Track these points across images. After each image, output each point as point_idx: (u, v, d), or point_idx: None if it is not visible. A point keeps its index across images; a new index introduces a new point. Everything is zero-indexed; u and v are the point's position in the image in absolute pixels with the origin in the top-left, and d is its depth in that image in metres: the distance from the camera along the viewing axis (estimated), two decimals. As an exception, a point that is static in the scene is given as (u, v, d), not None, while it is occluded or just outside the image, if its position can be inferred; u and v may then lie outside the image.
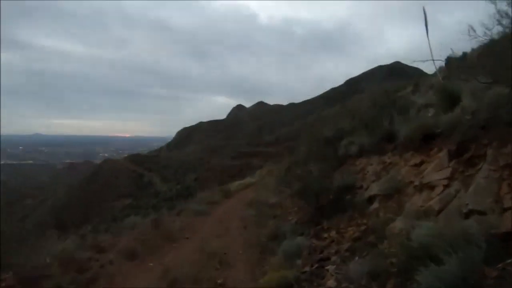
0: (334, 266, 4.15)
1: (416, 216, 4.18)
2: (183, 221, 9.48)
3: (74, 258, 5.79)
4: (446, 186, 4.28)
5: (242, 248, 6.38)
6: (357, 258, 4.06)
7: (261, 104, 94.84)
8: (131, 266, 5.67)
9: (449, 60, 14.16)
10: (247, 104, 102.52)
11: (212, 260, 5.71)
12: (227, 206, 12.40)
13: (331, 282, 3.90)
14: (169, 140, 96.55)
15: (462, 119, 5.57)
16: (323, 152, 13.05)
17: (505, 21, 5.06)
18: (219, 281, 5.10)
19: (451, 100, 6.72)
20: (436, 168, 4.69)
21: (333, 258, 4.41)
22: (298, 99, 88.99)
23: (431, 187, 4.52)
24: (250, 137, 57.73)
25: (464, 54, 13.66)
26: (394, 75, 45.46)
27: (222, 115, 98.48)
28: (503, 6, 5.05)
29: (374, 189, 6.04)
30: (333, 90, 74.77)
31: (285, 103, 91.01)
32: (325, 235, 5.49)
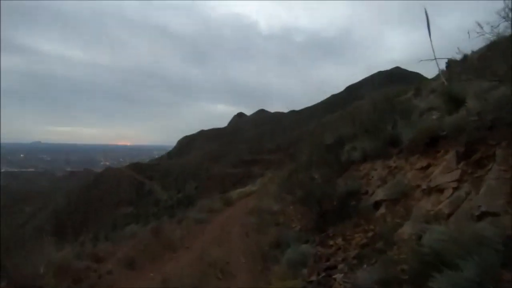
0: (342, 274, 3.97)
1: (425, 220, 4.02)
2: (184, 230, 9.29)
3: (70, 267, 5.60)
4: (455, 189, 4.13)
5: (244, 257, 6.18)
6: (365, 265, 3.88)
7: (262, 112, 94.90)
8: (130, 276, 5.48)
9: (450, 63, 14.13)
10: (248, 111, 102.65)
11: (213, 269, 5.52)
12: (228, 214, 12.21)
13: (339, 291, 3.73)
14: (170, 149, 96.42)
15: (468, 120, 5.45)
16: (325, 158, 12.92)
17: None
18: (220, 292, 4.92)
19: (455, 101, 6.61)
20: (444, 171, 4.54)
21: (340, 266, 4.23)
22: (299, 106, 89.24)
23: (439, 190, 4.37)
24: (251, 145, 57.59)
25: (465, 56, 13.61)
26: (394, 81, 45.47)
27: (223, 123, 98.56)
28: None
29: (379, 194, 5.87)
30: (334, 96, 74.84)
31: (285, 110, 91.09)
32: (331, 242, 5.30)
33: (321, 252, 5.20)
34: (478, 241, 2.84)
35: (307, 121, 58.44)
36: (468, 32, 5.63)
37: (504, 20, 5.05)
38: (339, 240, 5.23)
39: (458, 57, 7.29)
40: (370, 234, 4.69)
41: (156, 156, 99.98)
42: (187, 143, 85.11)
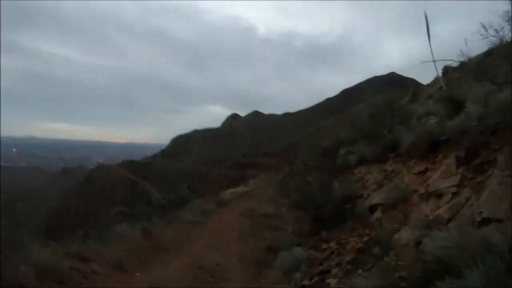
0: (336, 279, 3.81)
1: (424, 225, 3.90)
2: (175, 231, 9.06)
3: (54, 267, 5.35)
4: (455, 194, 4.01)
5: (237, 260, 6.01)
6: (360, 271, 3.73)
7: (256, 114, 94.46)
8: (116, 278, 5.26)
9: (447, 68, 14.13)
10: (243, 113, 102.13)
11: (204, 272, 5.34)
12: (221, 216, 12.01)
13: (333, 297, 3.58)
14: (163, 147, 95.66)
15: (469, 125, 5.36)
16: (321, 161, 12.81)
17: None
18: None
19: (455, 106, 6.53)
20: (443, 176, 4.42)
21: (334, 271, 4.07)
22: (294, 109, 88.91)
23: (438, 195, 4.24)
24: (245, 147, 57.37)
25: (463, 63, 13.59)
26: (390, 86, 45.62)
27: (217, 123, 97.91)
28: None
29: (375, 198, 5.76)
30: (329, 100, 74.79)
31: (280, 112, 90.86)
32: (325, 246, 5.16)
33: (314, 255, 5.06)
34: (482, 248, 2.71)
35: (301, 124, 58.38)
36: (465, 40, 5.56)
37: (507, 23, 4.97)
38: (333, 244, 5.09)
39: (461, 59, 7.19)
40: (365, 238, 4.56)
41: (149, 155, 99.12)
42: (181, 143, 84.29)
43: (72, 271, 5.06)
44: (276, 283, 4.42)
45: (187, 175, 50.35)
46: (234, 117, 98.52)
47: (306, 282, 4.10)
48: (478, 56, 12.71)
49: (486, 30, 5.21)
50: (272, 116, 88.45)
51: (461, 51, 7.07)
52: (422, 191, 4.65)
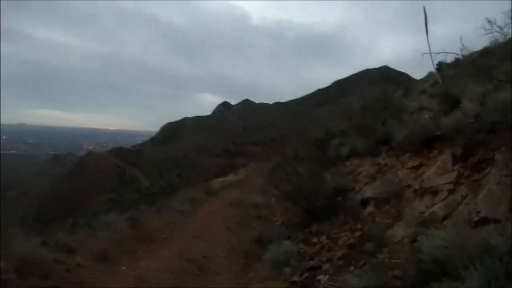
0: (327, 276, 3.71)
1: (418, 222, 3.81)
2: (163, 220, 8.92)
3: (37, 260, 5.16)
4: (451, 191, 3.92)
5: (225, 252, 5.89)
6: (352, 268, 3.64)
7: (247, 102, 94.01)
8: (101, 271, 5.09)
9: (441, 65, 14.11)
10: (233, 101, 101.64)
11: (192, 265, 5.21)
12: (210, 205, 11.90)
13: (324, 295, 3.49)
14: (154, 135, 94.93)
15: (465, 122, 5.28)
16: (312, 152, 12.73)
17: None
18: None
19: (450, 102, 6.45)
20: (439, 172, 4.33)
21: (325, 267, 3.97)
22: (285, 99, 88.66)
23: (434, 191, 4.16)
24: (236, 136, 57.12)
25: (457, 60, 13.58)
26: (382, 79, 45.72)
27: (207, 111, 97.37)
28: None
29: (368, 192, 5.67)
30: (320, 91, 74.76)
31: (271, 102, 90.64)
32: (315, 240, 5.05)
33: (304, 249, 4.95)
34: (481, 249, 2.63)
35: (292, 114, 58.37)
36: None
37: (511, 20, 4.86)
38: (324, 238, 4.99)
39: (464, 53, 7.11)
40: (358, 233, 4.46)
41: (139, 142, 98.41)
42: (171, 131, 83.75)
43: (56, 264, 4.88)
44: (265, 278, 4.32)
45: (177, 163, 50.13)
46: (225, 105, 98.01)
47: (296, 278, 4.00)
48: (473, 54, 12.71)
49: (492, 25, 5.09)
50: (263, 105, 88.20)
51: (463, 45, 6.96)
52: (416, 186, 4.57)
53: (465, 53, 6.94)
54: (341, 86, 65.10)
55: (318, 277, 3.85)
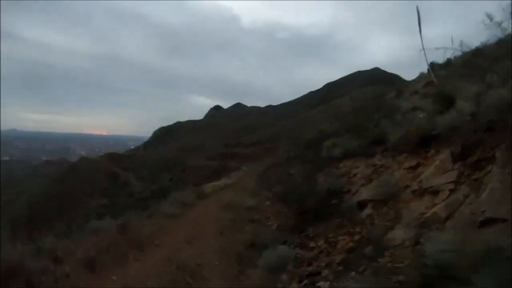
0: (328, 282, 3.55)
1: (419, 224, 3.68)
2: (154, 225, 8.66)
3: (23, 268, 4.90)
4: (452, 191, 3.80)
5: (218, 258, 5.68)
6: (353, 273, 3.48)
7: (238, 106, 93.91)
8: (90, 279, 4.86)
9: (433, 67, 14.15)
10: (225, 105, 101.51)
11: (183, 272, 4.99)
12: (202, 209, 11.64)
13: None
14: (146, 139, 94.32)
15: (461, 121, 5.20)
16: (304, 153, 12.61)
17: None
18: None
19: (445, 102, 6.38)
20: (438, 171, 4.21)
21: (325, 273, 3.81)
22: (277, 102, 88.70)
23: (434, 192, 4.04)
24: (227, 138, 56.84)
25: (449, 60, 13.64)
26: (374, 81, 45.95)
27: (199, 115, 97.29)
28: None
29: (364, 194, 5.54)
30: (312, 93, 74.94)
31: (263, 105, 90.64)
32: (312, 244, 4.89)
33: (301, 255, 4.78)
34: (488, 251, 2.49)
35: (284, 116, 58.30)
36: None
37: (510, 15, 4.81)
38: (321, 243, 4.83)
39: (464, 49, 7.09)
40: (356, 237, 4.30)
41: (132, 147, 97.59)
42: (163, 135, 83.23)
43: (44, 273, 4.64)
44: (260, 285, 4.13)
45: (169, 167, 49.71)
46: (216, 108, 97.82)
47: (294, 285, 3.82)
48: (461, 57, 12.76)
49: (491, 20, 5.03)
50: (254, 108, 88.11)
51: (461, 41, 6.93)
52: (414, 187, 4.45)
53: (464, 48, 6.86)
54: (333, 88, 65.32)
55: (318, 284, 3.68)
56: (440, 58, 12.66)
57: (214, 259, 5.64)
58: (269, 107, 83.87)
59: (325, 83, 76.23)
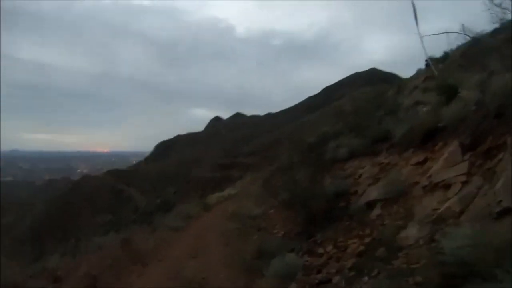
0: (339, 290, 3.33)
1: (433, 221, 3.47)
2: (158, 239, 8.46)
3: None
4: (464, 183, 3.60)
5: (224, 270, 5.46)
6: (366, 278, 3.26)
7: (238, 116, 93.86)
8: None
9: (430, 62, 14.00)
10: (225, 115, 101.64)
11: (189, 286, 4.78)
12: (207, 220, 11.43)
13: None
14: (147, 154, 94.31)
15: (467, 110, 5.02)
16: (307, 158, 12.39)
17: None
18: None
19: (447, 94, 6.22)
20: (448, 164, 4.01)
21: (336, 279, 3.58)
22: (277, 109, 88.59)
23: (445, 185, 3.84)
24: (228, 149, 56.66)
25: (446, 53, 13.52)
26: (372, 81, 45.86)
27: (199, 127, 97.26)
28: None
29: (372, 194, 5.32)
30: (311, 98, 74.84)
31: (262, 113, 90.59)
32: (321, 250, 4.66)
33: (310, 262, 4.55)
34: (510, 243, 2.29)
35: (284, 123, 58.18)
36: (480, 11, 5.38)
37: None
38: (330, 248, 4.60)
39: (468, 34, 7.00)
40: (367, 239, 4.08)
41: (134, 162, 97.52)
42: (164, 149, 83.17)
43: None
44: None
45: (172, 180, 49.53)
46: (216, 119, 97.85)
47: (304, 295, 3.61)
48: (459, 49, 12.65)
49: (499, 6, 4.90)
50: (254, 117, 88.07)
51: (463, 25, 6.82)
52: (424, 182, 4.24)
53: (467, 32, 6.73)
54: (331, 92, 65.23)
55: (329, 291, 3.46)
56: (438, 52, 12.57)
57: (220, 271, 5.41)
58: (269, 114, 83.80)
59: (323, 86, 76.20)
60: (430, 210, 3.69)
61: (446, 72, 8.72)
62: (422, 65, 16.22)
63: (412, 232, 3.51)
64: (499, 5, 4.99)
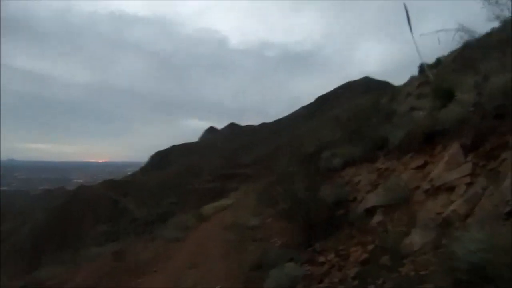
0: (343, 300, 3.17)
1: (438, 225, 3.35)
2: (154, 250, 8.24)
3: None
4: (469, 185, 3.50)
5: (222, 282, 5.26)
6: (372, 287, 3.11)
7: (232, 126, 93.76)
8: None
9: (423, 67, 14.12)
10: (219, 125, 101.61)
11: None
12: (204, 231, 11.21)
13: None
14: (142, 165, 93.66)
15: (465, 112, 4.96)
16: (303, 167, 12.28)
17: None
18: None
19: (444, 96, 6.18)
20: (450, 167, 3.92)
21: (339, 289, 3.43)
22: (270, 119, 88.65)
23: (448, 188, 3.73)
24: (225, 159, 56.45)
25: (439, 59, 13.63)
26: (365, 90, 46.20)
27: (194, 138, 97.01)
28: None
29: (371, 200, 5.21)
30: (304, 108, 75.14)
31: (256, 123, 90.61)
32: (322, 259, 4.50)
33: (311, 271, 4.39)
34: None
35: (278, 133, 58.25)
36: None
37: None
38: (332, 256, 4.44)
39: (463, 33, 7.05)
40: (370, 247, 3.94)
41: (129, 173, 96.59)
42: (160, 159, 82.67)
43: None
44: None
45: (168, 190, 49.15)
46: (211, 130, 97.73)
47: (307, 306, 3.45)
48: (451, 54, 12.75)
49: None
50: (248, 127, 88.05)
51: (459, 24, 6.84)
52: (426, 186, 4.13)
53: (464, 30, 6.74)
54: (325, 101, 65.59)
55: (333, 302, 3.30)
56: (430, 59, 12.68)
57: (217, 284, 5.21)
58: (263, 125, 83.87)
59: (317, 96, 76.57)
60: (434, 214, 3.58)
61: (440, 76, 8.72)
62: (414, 73, 16.36)
63: (416, 238, 3.39)
64: (495, 3, 4.99)
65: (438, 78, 8.11)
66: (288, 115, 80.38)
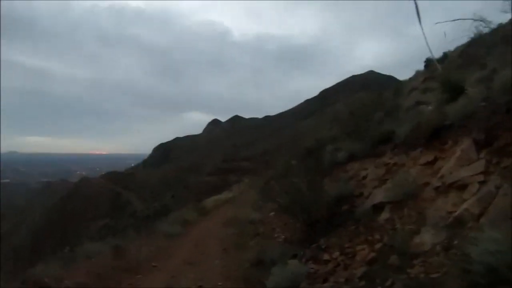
0: (351, 302, 3.03)
1: (449, 225, 3.20)
2: (153, 246, 8.13)
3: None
4: (482, 183, 3.33)
5: (222, 280, 5.14)
6: (380, 288, 2.97)
7: (236, 118, 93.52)
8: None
9: (429, 63, 13.88)
10: (223, 118, 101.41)
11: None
12: (204, 225, 11.12)
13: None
14: (145, 157, 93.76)
15: (476, 106, 4.78)
16: (307, 161, 12.12)
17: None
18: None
19: (453, 90, 5.99)
20: (462, 163, 3.75)
21: (345, 290, 3.29)
22: (274, 112, 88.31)
23: (460, 186, 3.56)
24: (226, 153, 56.34)
25: (445, 54, 13.37)
26: (369, 84, 45.79)
27: (197, 130, 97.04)
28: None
29: (378, 196, 5.04)
30: (308, 101, 74.80)
31: (260, 116, 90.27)
32: (326, 257, 4.35)
33: (314, 269, 4.24)
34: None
35: (282, 126, 58.05)
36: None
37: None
38: (337, 254, 4.29)
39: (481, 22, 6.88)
40: (377, 245, 3.78)
41: (132, 165, 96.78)
42: (163, 151, 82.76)
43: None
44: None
45: (170, 184, 49.23)
46: (214, 123, 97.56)
47: (312, 308, 3.31)
48: (460, 48, 12.50)
49: None
50: (252, 120, 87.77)
51: (474, 14, 6.66)
52: (436, 183, 3.96)
53: (480, 20, 6.55)
54: (328, 95, 65.17)
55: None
56: (436, 54, 12.51)
57: (217, 281, 5.09)
58: (267, 117, 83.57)
59: (320, 89, 76.12)
60: (445, 213, 3.42)
61: (448, 70, 8.51)
62: (419, 67, 16.13)
63: (427, 238, 3.23)
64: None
65: (445, 72, 7.89)
66: (292, 108, 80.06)
